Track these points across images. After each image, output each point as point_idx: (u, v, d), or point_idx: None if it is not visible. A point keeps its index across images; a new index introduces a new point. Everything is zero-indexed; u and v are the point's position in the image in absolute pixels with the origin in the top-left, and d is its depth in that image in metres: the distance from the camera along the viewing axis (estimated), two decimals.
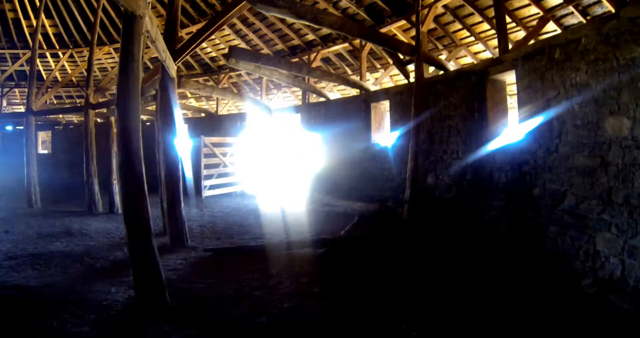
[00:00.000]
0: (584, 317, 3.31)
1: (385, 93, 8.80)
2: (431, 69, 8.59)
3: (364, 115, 9.30)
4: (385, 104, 9.31)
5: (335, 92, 12.39)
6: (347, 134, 9.70)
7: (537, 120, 5.26)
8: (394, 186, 8.32)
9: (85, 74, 10.45)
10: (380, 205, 7.62)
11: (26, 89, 13.02)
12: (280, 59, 6.97)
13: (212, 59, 14.62)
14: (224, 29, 12.86)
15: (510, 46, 6.62)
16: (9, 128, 17.00)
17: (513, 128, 6.89)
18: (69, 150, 15.92)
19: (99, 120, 11.14)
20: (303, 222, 7.81)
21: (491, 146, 6.34)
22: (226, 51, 14.03)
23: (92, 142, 9.70)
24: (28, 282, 4.24)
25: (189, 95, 17.09)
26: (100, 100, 10.21)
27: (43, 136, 16.91)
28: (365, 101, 9.34)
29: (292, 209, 9.56)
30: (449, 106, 7.14)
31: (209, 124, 14.39)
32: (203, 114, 15.00)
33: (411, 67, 9.04)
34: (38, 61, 14.75)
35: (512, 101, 7.95)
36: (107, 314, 3.42)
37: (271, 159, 20.26)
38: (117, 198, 9.35)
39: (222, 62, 14.43)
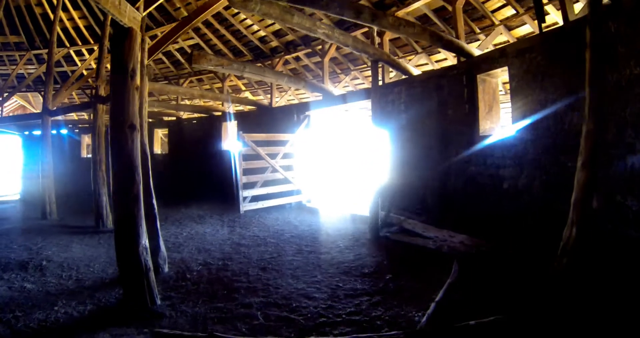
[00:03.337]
0: None
1: (501, 56, 5.75)
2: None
3: (466, 94, 6.33)
4: (500, 75, 6.25)
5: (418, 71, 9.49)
6: (440, 123, 6.80)
7: None
8: (519, 208, 5.26)
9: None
10: (496, 243, 4.67)
11: (72, 91, 12.36)
12: None
13: (262, 40, 12.53)
14: None
15: None
16: (64, 131, 16.63)
17: None
18: None
19: None
20: (365, 267, 5.11)
21: None
22: (277, 27, 11.95)
23: (100, 143, 8.10)
24: None
25: (243, 87, 15.30)
26: None
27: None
28: (467, 72, 6.36)
29: (355, 234, 7.01)
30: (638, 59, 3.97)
31: (260, 119, 12.32)
32: (254, 107, 12.92)
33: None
34: (76, 58, 14.25)
35: None
36: None
37: (337, 161, 17.72)
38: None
39: (275, 43, 12.31)
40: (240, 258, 5.69)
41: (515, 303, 3.35)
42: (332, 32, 5.23)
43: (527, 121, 5.20)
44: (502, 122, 6.66)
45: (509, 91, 10.49)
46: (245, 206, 9.49)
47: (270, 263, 5.40)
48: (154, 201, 5.18)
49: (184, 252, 6.17)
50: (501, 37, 8.80)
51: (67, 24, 12.79)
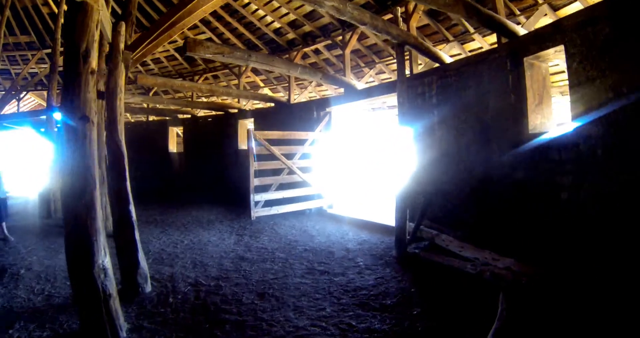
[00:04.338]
0: None
1: (555, 31, 4.66)
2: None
3: (512, 82, 5.27)
4: (553, 58, 5.14)
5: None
6: (478, 119, 5.77)
7: None
8: (582, 226, 4.16)
9: None
10: (551, 272, 3.64)
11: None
12: None
13: (277, 32, 11.71)
14: None
15: None
16: None
17: None
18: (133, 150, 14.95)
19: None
20: (388, 296, 4.17)
21: None
22: (292, 17, 11.04)
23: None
24: None
25: (261, 84, 14.54)
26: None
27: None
28: (511, 55, 5.29)
29: (379, 249, 6.18)
30: None
31: (278, 116, 11.54)
32: (272, 104, 12.11)
33: None
34: None
35: None
36: None
37: (361, 163, 16.68)
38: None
39: (291, 35, 11.46)
40: (238, 279, 4.85)
41: None
42: (343, 5, 4.31)
43: (593, 114, 4.12)
44: (555, 119, 5.56)
45: (555, 83, 9.35)
46: (257, 212, 8.68)
47: (272, 286, 4.53)
48: (132, 208, 4.43)
49: (176, 266, 5.43)
50: (545, 19, 7.64)
51: None
